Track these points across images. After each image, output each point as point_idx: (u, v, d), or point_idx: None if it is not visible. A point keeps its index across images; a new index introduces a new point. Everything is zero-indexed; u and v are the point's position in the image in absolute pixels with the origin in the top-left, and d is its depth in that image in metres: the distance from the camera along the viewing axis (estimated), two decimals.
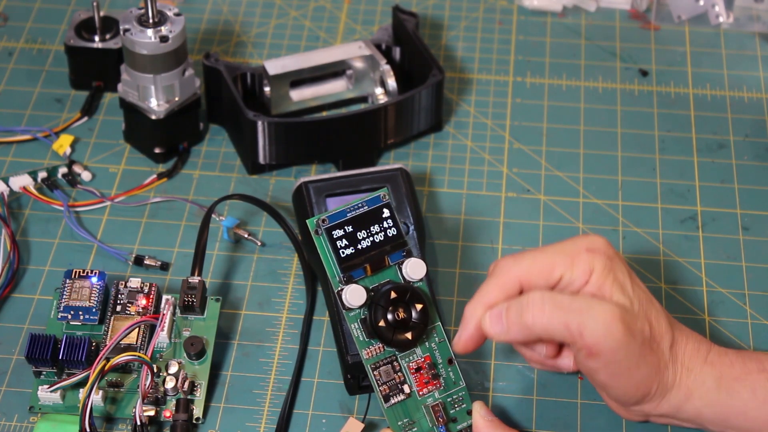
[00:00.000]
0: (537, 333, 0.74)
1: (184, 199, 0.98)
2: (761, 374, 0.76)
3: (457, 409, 0.79)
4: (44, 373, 0.83)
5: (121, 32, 0.95)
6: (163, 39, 0.94)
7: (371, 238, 0.77)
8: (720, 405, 0.76)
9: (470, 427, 0.78)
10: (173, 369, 0.83)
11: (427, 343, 0.78)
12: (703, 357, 0.77)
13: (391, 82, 1.03)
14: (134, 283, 0.86)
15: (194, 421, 0.82)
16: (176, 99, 0.98)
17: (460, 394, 0.79)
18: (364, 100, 1.07)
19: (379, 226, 0.77)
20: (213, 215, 0.92)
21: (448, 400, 0.78)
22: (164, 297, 0.86)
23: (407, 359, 0.78)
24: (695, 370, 0.76)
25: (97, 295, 0.86)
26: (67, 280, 0.87)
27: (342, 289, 0.76)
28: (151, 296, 0.86)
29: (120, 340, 0.81)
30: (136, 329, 0.83)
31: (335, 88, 1.06)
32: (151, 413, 0.81)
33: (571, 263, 0.76)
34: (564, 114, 1.07)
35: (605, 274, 0.75)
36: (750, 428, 0.76)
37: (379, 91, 1.06)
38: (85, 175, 1.00)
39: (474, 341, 0.77)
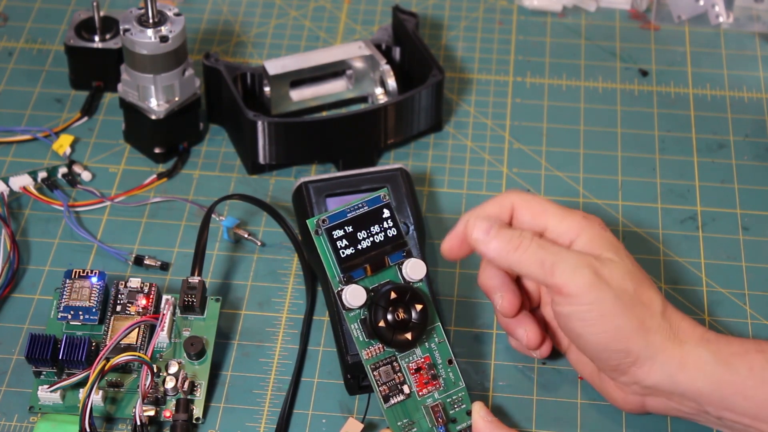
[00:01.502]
0: (511, 264, 0.77)
1: (184, 199, 0.98)
2: (759, 354, 0.76)
3: (457, 409, 0.79)
4: (44, 373, 0.83)
5: (121, 32, 0.95)
6: (163, 39, 0.94)
7: (371, 239, 0.77)
8: (718, 379, 0.76)
9: (470, 427, 0.78)
10: (173, 369, 0.83)
11: (426, 343, 0.78)
12: (699, 335, 0.77)
13: (391, 82, 1.03)
14: (134, 283, 0.86)
15: (194, 421, 0.82)
16: (176, 99, 0.98)
17: (459, 394, 0.79)
18: (364, 100, 1.07)
19: (380, 227, 0.77)
20: (213, 215, 0.92)
21: (448, 400, 0.78)
22: (164, 297, 0.86)
23: (407, 359, 0.78)
24: (690, 344, 0.76)
25: (97, 295, 0.86)
26: (67, 280, 0.87)
27: (342, 290, 0.76)
28: (151, 296, 0.86)
29: (120, 340, 0.81)
30: (136, 329, 0.83)
31: (335, 88, 1.06)
32: (151, 413, 0.81)
33: (561, 218, 0.79)
34: (564, 114, 1.07)
35: (597, 237, 0.79)
36: (748, 408, 0.75)
37: (379, 91, 1.06)
38: (85, 175, 1.00)
39: (458, 244, 0.81)
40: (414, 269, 0.77)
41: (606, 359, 0.77)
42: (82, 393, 0.80)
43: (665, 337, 0.76)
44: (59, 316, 0.86)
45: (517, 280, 0.84)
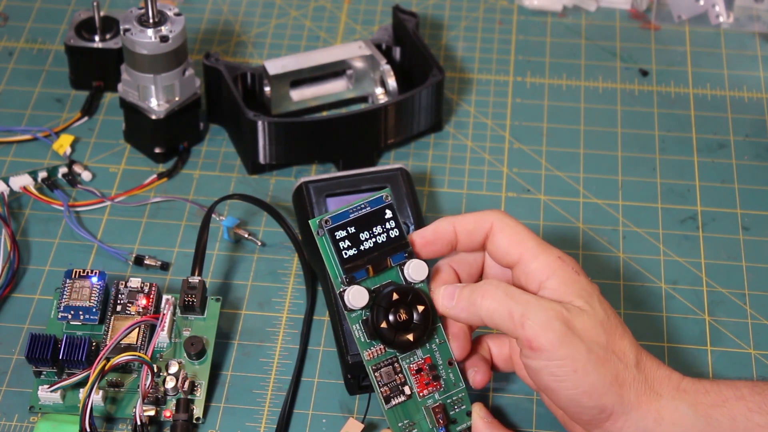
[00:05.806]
0: (481, 315, 0.74)
1: (184, 199, 0.98)
2: (740, 402, 0.73)
3: (457, 410, 0.79)
4: (44, 373, 0.83)
5: (121, 32, 0.95)
6: (163, 39, 0.94)
7: (374, 239, 0.76)
8: None
9: (470, 428, 0.78)
10: (173, 369, 0.83)
11: (427, 344, 0.78)
12: (675, 385, 0.74)
13: (391, 82, 1.03)
14: (134, 283, 0.86)
15: (194, 421, 0.82)
16: (176, 99, 0.98)
17: (460, 395, 0.79)
18: (364, 100, 1.07)
19: (382, 227, 0.77)
20: (213, 215, 0.92)
21: (448, 401, 0.78)
22: (164, 297, 0.86)
23: (408, 360, 0.78)
24: (666, 396, 0.74)
25: (97, 295, 0.86)
26: (67, 280, 0.87)
27: (344, 290, 0.76)
28: (151, 296, 0.86)
29: (120, 340, 0.81)
30: (136, 329, 0.83)
31: (335, 88, 1.06)
32: (151, 413, 0.81)
33: (536, 254, 0.76)
34: (564, 114, 1.07)
35: (568, 281, 0.75)
36: None
37: (379, 91, 1.06)
38: (85, 175, 1.00)
39: (428, 243, 0.78)
40: (416, 270, 0.77)
41: (579, 414, 0.74)
42: (82, 393, 0.80)
43: (640, 391, 0.73)
44: (59, 316, 0.86)
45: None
